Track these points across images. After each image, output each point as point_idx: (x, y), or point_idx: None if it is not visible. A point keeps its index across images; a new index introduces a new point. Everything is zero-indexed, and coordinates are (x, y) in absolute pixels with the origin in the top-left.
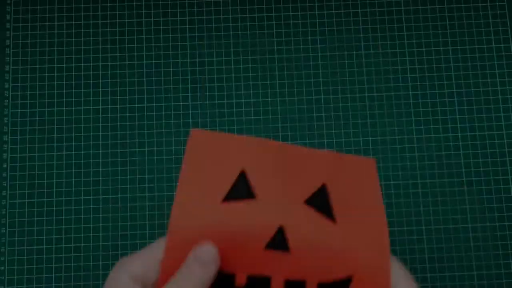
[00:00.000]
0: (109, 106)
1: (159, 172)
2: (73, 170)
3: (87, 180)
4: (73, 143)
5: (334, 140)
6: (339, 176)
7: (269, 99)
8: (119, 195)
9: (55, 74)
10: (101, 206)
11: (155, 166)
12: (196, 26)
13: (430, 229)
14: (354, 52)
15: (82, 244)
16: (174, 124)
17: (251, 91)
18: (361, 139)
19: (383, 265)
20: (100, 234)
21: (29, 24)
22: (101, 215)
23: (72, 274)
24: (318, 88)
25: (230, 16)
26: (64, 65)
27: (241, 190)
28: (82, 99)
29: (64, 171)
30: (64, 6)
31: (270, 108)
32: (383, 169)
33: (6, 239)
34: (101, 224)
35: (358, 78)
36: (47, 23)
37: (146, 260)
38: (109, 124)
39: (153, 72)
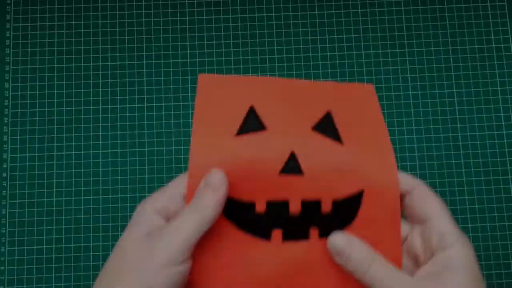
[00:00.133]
0: (109, 106)
1: (159, 172)
2: (73, 170)
3: (87, 180)
4: (73, 143)
5: None
6: (342, 102)
7: None
8: (119, 195)
9: (55, 74)
10: (101, 206)
11: (155, 166)
12: (196, 26)
13: None
14: (354, 52)
15: (82, 244)
16: (174, 124)
17: None
18: None
19: (391, 176)
20: (100, 234)
21: (29, 24)
22: (101, 215)
23: (72, 274)
24: None
25: (230, 16)
26: (64, 65)
27: (252, 124)
28: (82, 99)
29: (64, 171)
30: (64, 6)
31: None
32: None
33: (6, 239)
34: (101, 224)
35: (358, 78)
36: (47, 23)
37: (167, 194)
38: (109, 124)
39: (153, 72)
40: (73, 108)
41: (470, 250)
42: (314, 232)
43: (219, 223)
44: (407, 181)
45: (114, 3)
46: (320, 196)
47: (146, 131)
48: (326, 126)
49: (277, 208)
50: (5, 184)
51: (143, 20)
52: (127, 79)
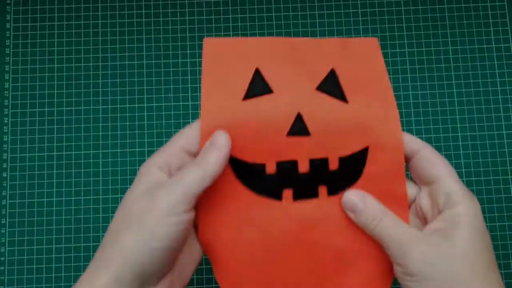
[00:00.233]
0: (109, 106)
1: None
2: (73, 170)
3: (87, 180)
4: (73, 143)
5: None
6: (346, 58)
7: None
8: (119, 195)
9: (55, 74)
10: (101, 206)
11: None
12: (196, 26)
13: None
14: None
15: (82, 244)
16: (174, 124)
17: None
18: None
19: (395, 132)
20: (100, 234)
21: (29, 24)
22: (101, 215)
23: (72, 274)
24: None
25: (230, 16)
26: (64, 65)
27: (258, 87)
28: (82, 99)
29: (64, 171)
30: (64, 6)
31: None
32: None
33: (6, 239)
34: (101, 224)
35: None
36: (47, 23)
37: (168, 151)
38: (109, 124)
39: (153, 72)
40: (73, 108)
41: (477, 207)
42: (323, 190)
43: (232, 186)
44: (412, 142)
45: (114, 3)
46: (327, 154)
47: (146, 131)
48: (331, 85)
49: (287, 168)
50: (5, 184)
51: (143, 20)
52: (127, 79)
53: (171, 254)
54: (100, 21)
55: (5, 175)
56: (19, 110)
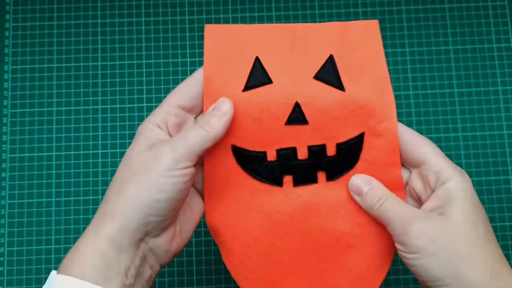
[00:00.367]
0: (109, 106)
1: None
2: (72, 170)
3: (87, 180)
4: (73, 143)
5: None
6: (345, 43)
7: None
8: None
9: (54, 74)
10: None
11: None
12: (196, 25)
13: None
14: None
15: None
16: None
17: None
18: None
19: (390, 117)
20: None
21: (29, 24)
22: None
23: None
24: None
25: (230, 16)
26: (64, 65)
27: (258, 77)
28: (82, 99)
29: (64, 171)
30: (64, 6)
31: None
32: None
33: (5, 239)
34: None
35: None
36: (46, 23)
37: (164, 109)
38: (109, 124)
39: (153, 72)
40: (73, 108)
41: (467, 180)
42: (321, 176)
43: (235, 173)
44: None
45: (113, 3)
46: (325, 141)
47: None
48: (328, 73)
49: (287, 155)
50: (5, 184)
51: (143, 19)
52: (126, 79)
53: (174, 206)
54: (100, 21)
55: (5, 175)
56: (18, 110)
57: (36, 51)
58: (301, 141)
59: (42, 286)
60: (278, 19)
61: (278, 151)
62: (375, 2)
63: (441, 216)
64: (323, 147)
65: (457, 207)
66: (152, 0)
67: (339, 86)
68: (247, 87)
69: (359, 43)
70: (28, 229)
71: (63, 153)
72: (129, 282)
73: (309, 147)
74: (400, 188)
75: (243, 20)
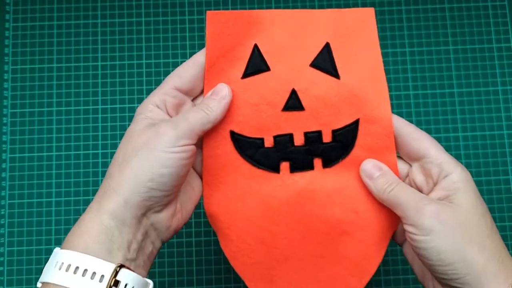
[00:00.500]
0: (109, 106)
1: None
2: (72, 170)
3: (86, 180)
4: (73, 143)
5: None
6: (341, 31)
7: None
8: None
9: (54, 74)
10: None
11: None
12: (196, 25)
13: None
14: None
15: None
16: None
17: None
18: None
19: (384, 103)
20: None
21: (29, 24)
22: None
23: None
24: None
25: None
26: (64, 64)
27: (256, 64)
28: (82, 99)
29: (63, 171)
30: (64, 5)
31: None
32: None
33: (5, 240)
34: None
35: None
36: (46, 23)
37: (163, 91)
38: (109, 124)
39: (153, 72)
40: (73, 108)
41: (468, 173)
42: (318, 163)
43: (233, 159)
44: (396, 122)
45: (113, 3)
46: (321, 127)
47: None
48: (324, 61)
49: (284, 142)
50: (5, 184)
51: (143, 19)
52: (126, 79)
53: (175, 181)
54: (100, 21)
55: (5, 175)
56: (18, 110)
57: (36, 51)
58: (297, 127)
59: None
60: None
61: (275, 137)
62: (375, 2)
63: (451, 203)
64: (319, 133)
65: (465, 197)
66: (152, 0)
67: (335, 74)
68: (245, 74)
69: (355, 31)
70: (28, 229)
71: (63, 153)
72: (131, 256)
73: (306, 133)
74: (395, 173)
75: None
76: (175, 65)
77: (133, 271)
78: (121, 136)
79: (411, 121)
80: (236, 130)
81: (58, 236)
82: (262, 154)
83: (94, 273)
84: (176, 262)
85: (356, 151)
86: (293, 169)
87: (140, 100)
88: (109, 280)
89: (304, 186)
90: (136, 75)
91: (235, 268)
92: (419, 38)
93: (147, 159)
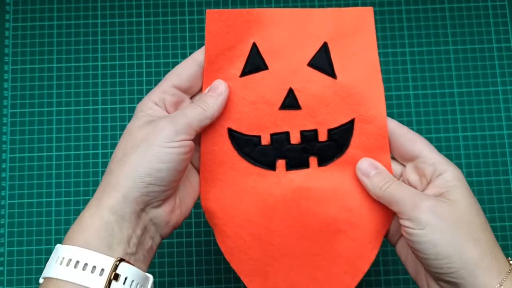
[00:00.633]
0: (109, 106)
1: None
2: (72, 170)
3: (86, 180)
4: (73, 143)
5: None
6: (340, 29)
7: None
8: None
9: (54, 74)
10: None
11: None
12: (196, 25)
13: None
14: None
15: None
16: None
17: None
18: None
19: (379, 103)
20: None
21: (29, 24)
22: None
23: None
24: None
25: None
26: (64, 65)
27: (254, 62)
28: (82, 99)
29: (63, 171)
30: (64, 5)
31: None
32: None
33: (5, 240)
34: None
35: None
36: (46, 23)
37: (161, 89)
38: (109, 124)
39: (153, 72)
40: (73, 108)
41: (460, 172)
42: (313, 161)
43: (231, 156)
44: (390, 124)
45: (113, 3)
46: (317, 126)
47: None
48: (322, 60)
49: (280, 140)
50: (5, 184)
51: (143, 19)
52: (126, 79)
53: (174, 176)
54: (100, 21)
55: (5, 175)
56: (18, 110)
57: (36, 51)
58: (294, 125)
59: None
60: None
61: (272, 135)
62: (375, 2)
63: (446, 200)
64: (315, 132)
65: (459, 194)
66: (152, 0)
67: (331, 73)
68: (244, 73)
69: (353, 30)
70: (28, 229)
71: (63, 153)
72: (131, 251)
73: (302, 132)
74: (389, 171)
75: None
76: (175, 65)
77: (133, 265)
78: (121, 136)
79: (411, 121)
80: (234, 128)
81: (58, 236)
82: (259, 152)
83: (94, 267)
84: (176, 262)
85: (351, 150)
86: (289, 167)
87: (140, 100)
88: (109, 274)
89: (300, 184)
90: (136, 75)
91: (231, 264)
92: (419, 38)
93: (146, 155)
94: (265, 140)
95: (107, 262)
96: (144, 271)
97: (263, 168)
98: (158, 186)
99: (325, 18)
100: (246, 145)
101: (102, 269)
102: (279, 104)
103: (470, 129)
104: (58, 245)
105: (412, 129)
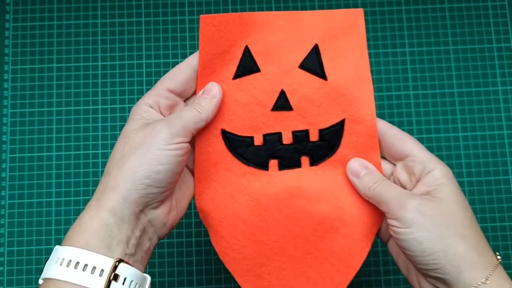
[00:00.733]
0: (109, 106)
1: None
2: (72, 170)
3: (86, 180)
4: (73, 143)
5: None
6: (330, 31)
7: None
8: None
9: (55, 74)
10: None
11: None
12: (196, 25)
13: None
14: None
15: None
16: None
17: None
18: None
19: (368, 104)
20: None
21: (29, 24)
22: None
23: None
24: None
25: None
26: (64, 65)
27: (247, 65)
28: (82, 99)
29: (64, 171)
30: (64, 5)
31: None
32: None
33: (5, 239)
34: None
35: None
36: (46, 23)
37: (156, 92)
38: (109, 124)
39: (153, 72)
40: (73, 108)
41: (449, 169)
42: (305, 161)
43: (224, 157)
44: (380, 125)
45: (113, 3)
46: (308, 127)
47: None
48: (312, 62)
49: (273, 140)
50: (5, 184)
51: (143, 19)
52: (126, 79)
53: (171, 178)
54: (100, 21)
55: (5, 175)
56: (18, 110)
57: (36, 51)
58: (286, 126)
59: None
60: None
61: (264, 136)
62: (375, 2)
63: (433, 198)
64: (306, 132)
65: (446, 191)
66: (152, 0)
67: (322, 75)
68: (237, 75)
69: (343, 31)
70: (28, 229)
71: (63, 153)
72: (130, 252)
73: (294, 132)
74: (379, 171)
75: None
76: (175, 65)
77: (132, 265)
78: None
79: (411, 121)
80: (227, 129)
81: (58, 236)
82: (252, 152)
83: (94, 268)
84: (176, 262)
85: (342, 150)
86: (282, 166)
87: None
88: (109, 274)
89: (292, 183)
90: (136, 75)
91: (226, 264)
92: (419, 38)
93: (144, 157)
94: (258, 141)
95: (106, 263)
96: (142, 272)
97: (256, 168)
98: (156, 187)
99: (315, 20)
100: (239, 146)
101: (102, 270)
102: (271, 106)
103: (470, 129)
104: (57, 246)
105: (413, 129)
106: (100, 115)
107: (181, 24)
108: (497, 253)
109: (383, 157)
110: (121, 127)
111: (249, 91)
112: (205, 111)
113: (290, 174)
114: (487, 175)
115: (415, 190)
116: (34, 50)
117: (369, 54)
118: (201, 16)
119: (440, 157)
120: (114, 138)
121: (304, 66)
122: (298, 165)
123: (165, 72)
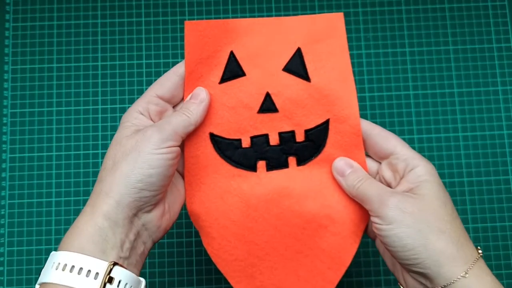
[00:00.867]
0: (109, 106)
1: None
2: (72, 170)
3: (86, 180)
4: (73, 143)
5: None
6: (312, 36)
7: None
8: None
9: (54, 74)
10: None
11: None
12: None
13: None
14: (355, 52)
15: None
16: None
17: None
18: None
19: (351, 104)
20: None
21: (29, 24)
22: None
23: None
24: None
25: (230, 15)
26: (64, 65)
27: (232, 70)
28: (82, 99)
29: (64, 171)
30: (64, 5)
31: None
32: None
33: (5, 239)
34: None
35: (358, 77)
36: (46, 23)
37: (146, 99)
38: (109, 124)
39: (153, 72)
40: (73, 108)
41: (432, 166)
42: (292, 161)
43: (213, 160)
44: (364, 125)
45: (113, 3)
46: (294, 127)
47: None
48: (296, 65)
49: (260, 142)
50: (5, 184)
51: (143, 19)
52: (126, 79)
53: (163, 181)
54: (100, 21)
55: (5, 175)
56: (18, 110)
57: (36, 51)
58: (272, 128)
59: None
60: None
61: (252, 138)
62: (375, 2)
63: (414, 194)
64: (292, 133)
65: (427, 188)
66: (152, 0)
67: (306, 77)
68: (223, 79)
69: (325, 35)
70: (28, 229)
71: (63, 153)
72: (124, 255)
73: (280, 134)
74: (364, 168)
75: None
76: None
77: (126, 268)
78: (109, 146)
79: (411, 121)
80: (215, 132)
81: (58, 236)
82: (240, 154)
83: (89, 271)
84: (176, 262)
85: (327, 149)
86: (269, 167)
87: None
88: (104, 277)
89: (280, 183)
90: (136, 75)
91: (218, 266)
92: (419, 38)
93: (137, 162)
94: (246, 143)
95: (101, 266)
96: (136, 275)
97: (244, 169)
98: (149, 191)
99: (298, 25)
100: (227, 149)
101: (97, 273)
102: (257, 108)
103: (470, 129)
104: (52, 252)
105: (413, 129)
106: (100, 115)
107: (181, 24)
108: (479, 247)
109: (368, 156)
110: None
111: (236, 94)
112: (194, 116)
113: (278, 175)
114: (487, 175)
115: (399, 188)
116: (34, 50)
117: (369, 54)
118: (186, 22)
119: (440, 157)
120: None
121: (288, 69)
122: (285, 165)
123: (165, 72)
